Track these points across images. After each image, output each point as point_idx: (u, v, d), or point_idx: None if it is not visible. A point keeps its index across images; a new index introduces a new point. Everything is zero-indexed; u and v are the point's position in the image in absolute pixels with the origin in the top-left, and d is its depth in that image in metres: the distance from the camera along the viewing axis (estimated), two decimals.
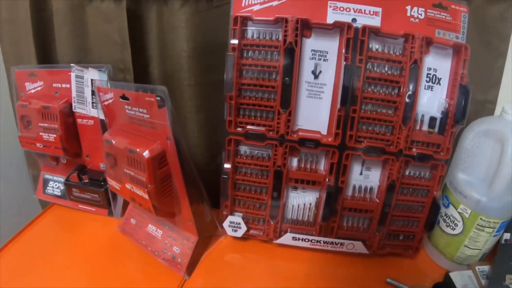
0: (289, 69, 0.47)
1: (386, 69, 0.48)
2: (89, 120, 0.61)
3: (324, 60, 0.49)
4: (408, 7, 0.46)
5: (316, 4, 0.46)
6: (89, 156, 0.64)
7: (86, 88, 0.59)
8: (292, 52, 0.47)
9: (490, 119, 0.50)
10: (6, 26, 0.69)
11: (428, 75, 0.48)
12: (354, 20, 0.46)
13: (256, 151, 0.53)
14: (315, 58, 0.49)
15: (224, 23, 0.49)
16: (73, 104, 0.60)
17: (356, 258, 0.56)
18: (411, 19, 0.46)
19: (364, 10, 0.46)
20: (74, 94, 0.60)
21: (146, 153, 0.46)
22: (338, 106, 0.48)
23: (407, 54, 0.46)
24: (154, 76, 0.64)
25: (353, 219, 0.55)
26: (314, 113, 0.51)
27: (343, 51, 0.47)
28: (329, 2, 0.46)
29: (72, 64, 0.58)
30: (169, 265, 0.53)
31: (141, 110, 0.48)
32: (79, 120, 0.61)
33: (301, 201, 0.55)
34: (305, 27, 0.47)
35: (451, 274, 0.49)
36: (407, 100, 0.47)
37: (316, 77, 0.50)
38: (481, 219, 0.48)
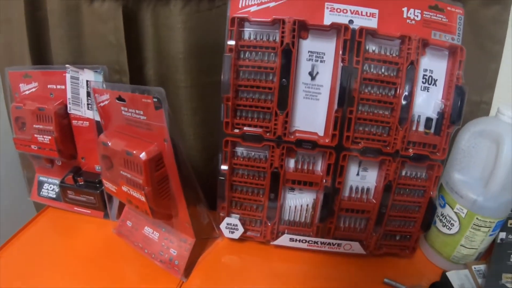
0: (286, 70, 0.47)
1: (382, 70, 0.48)
2: (84, 122, 0.60)
3: (321, 61, 0.49)
4: (405, 9, 0.47)
5: (313, 5, 0.47)
6: (84, 158, 0.63)
7: (82, 89, 0.58)
8: (289, 53, 0.47)
9: (485, 120, 0.50)
10: (0, 26, 0.68)
11: (424, 76, 0.49)
12: (351, 21, 0.47)
13: (253, 153, 0.53)
14: (312, 59, 0.49)
15: (220, 24, 0.49)
16: (68, 106, 0.60)
17: (353, 258, 0.56)
18: (408, 20, 0.47)
19: (361, 12, 0.47)
20: (69, 95, 0.59)
21: (143, 155, 0.46)
22: (335, 107, 0.48)
23: (403, 56, 0.47)
24: (150, 78, 0.64)
25: (350, 219, 0.55)
26: (311, 114, 0.51)
27: (340, 52, 0.47)
28: (326, 3, 0.46)
29: (67, 65, 0.57)
30: (166, 268, 0.53)
31: (137, 111, 0.47)
32: (74, 122, 0.61)
33: (298, 202, 0.55)
34: (302, 29, 0.47)
35: (448, 274, 0.50)
36: (403, 101, 0.47)
37: (313, 78, 0.50)
38: (477, 218, 0.49)
